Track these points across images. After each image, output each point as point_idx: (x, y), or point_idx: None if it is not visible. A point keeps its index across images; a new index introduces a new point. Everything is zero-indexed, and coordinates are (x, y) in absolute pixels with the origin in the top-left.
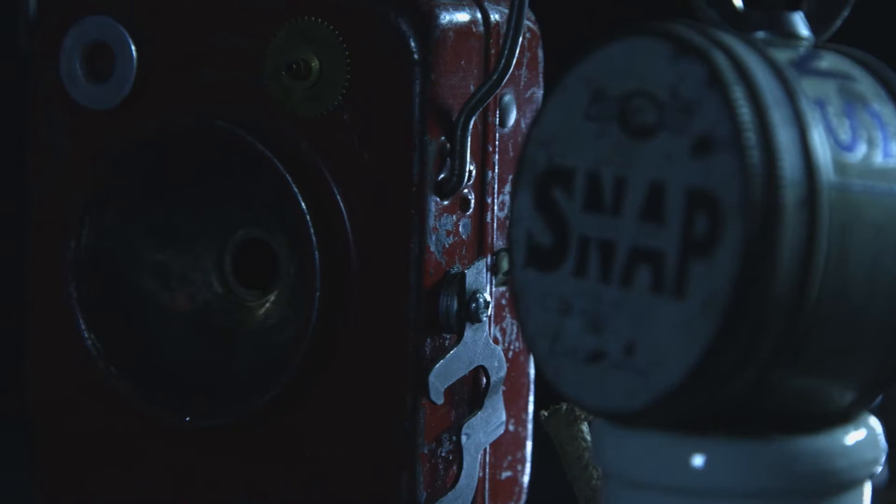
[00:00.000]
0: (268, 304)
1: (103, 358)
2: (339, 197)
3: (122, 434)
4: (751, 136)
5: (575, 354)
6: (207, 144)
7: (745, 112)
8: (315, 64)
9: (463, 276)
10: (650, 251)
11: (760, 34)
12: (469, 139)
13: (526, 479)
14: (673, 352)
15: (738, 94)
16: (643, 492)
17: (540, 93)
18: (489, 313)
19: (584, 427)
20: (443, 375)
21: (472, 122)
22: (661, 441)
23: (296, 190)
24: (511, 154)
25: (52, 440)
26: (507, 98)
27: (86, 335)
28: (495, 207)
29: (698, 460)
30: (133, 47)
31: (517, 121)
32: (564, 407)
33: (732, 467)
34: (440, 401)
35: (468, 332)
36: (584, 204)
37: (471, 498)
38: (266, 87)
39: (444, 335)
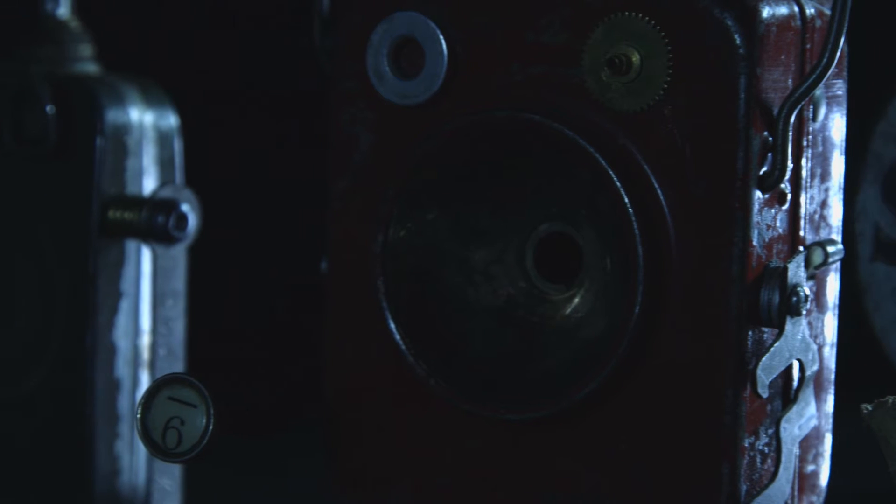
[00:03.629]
0: (575, 299)
1: (412, 353)
2: (659, 191)
3: (426, 429)
4: None
5: None
6: (520, 139)
7: None
8: (636, 59)
9: (785, 269)
10: None
11: None
12: (791, 133)
13: (826, 473)
14: None
15: None
16: None
17: (844, 86)
18: (808, 307)
19: None
20: (768, 368)
21: (793, 117)
22: None
23: (619, 185)
24: (820, 148)
25: (353, 436)
26: (818, 92)
27: (394, 330)
28: (806, 201)
29: None
30: (444, 43)
31: (826, 115)
32: (890, 400)
33: None
34: (766, 394)
35: (788, 326)
36: None
37: (789, 490)
38: (582, 83)
39: (763, 329)
